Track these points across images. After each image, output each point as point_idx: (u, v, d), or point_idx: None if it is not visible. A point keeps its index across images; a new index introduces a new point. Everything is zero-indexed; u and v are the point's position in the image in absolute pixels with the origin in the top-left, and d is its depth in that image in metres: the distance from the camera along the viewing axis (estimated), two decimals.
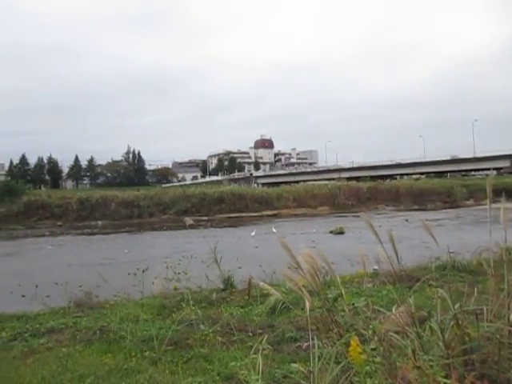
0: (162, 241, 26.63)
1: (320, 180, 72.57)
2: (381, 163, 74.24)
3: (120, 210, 41.61)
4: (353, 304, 3.34)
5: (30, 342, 5.57)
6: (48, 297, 7.48)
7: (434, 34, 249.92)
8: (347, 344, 2.35)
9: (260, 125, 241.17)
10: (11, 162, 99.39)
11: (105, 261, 17.62)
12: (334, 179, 69.81)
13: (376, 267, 7.00)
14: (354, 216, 36.58)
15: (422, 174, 76.29)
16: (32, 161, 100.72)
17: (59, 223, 38.79)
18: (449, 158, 69.07)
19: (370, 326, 2.61)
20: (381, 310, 2.87)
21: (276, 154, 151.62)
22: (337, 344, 2.41)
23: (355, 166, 78.35)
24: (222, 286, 8.48)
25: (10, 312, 7.51)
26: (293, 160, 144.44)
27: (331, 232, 25.31)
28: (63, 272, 14.90)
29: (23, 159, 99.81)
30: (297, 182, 71.69)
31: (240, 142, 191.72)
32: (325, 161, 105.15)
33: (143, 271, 6.53)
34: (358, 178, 66.78)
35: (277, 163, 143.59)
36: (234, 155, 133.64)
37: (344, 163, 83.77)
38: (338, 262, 5.95)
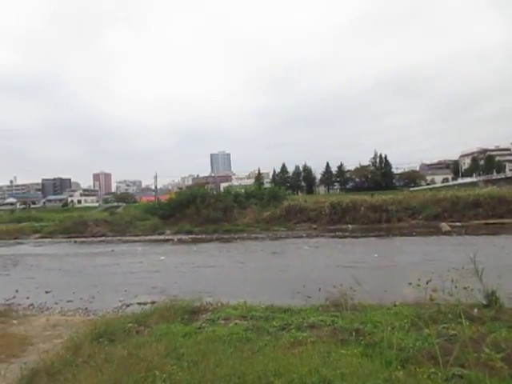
0: (411, 247, 25.71)
1: None
2: None
3: (368, 214, 42.11)
4: None
5: (295, 333, 6.26)
6: (309, 298, 8.26)
7: None
8: None
9: None
10: (274, 171, 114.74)
11: (355, 264, 18.21)
12: None
13: None
14: None
15: None
16: (290, 169, 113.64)
17: (314, 226, 42.01)
18: None
19: None
20: None
21: None
22: None
23: None
24: (484, 302, 7.63)
25: (277, 304, 8.65)
26: None
27: None
28: (319, 271, 16.20)
29: (283, 168, 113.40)
30: None
31: (498, 137, 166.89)
32: None
33: (427, 282, 6.18)
34: None
35: None
36: (492, 153, 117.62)
37: None
38: None
